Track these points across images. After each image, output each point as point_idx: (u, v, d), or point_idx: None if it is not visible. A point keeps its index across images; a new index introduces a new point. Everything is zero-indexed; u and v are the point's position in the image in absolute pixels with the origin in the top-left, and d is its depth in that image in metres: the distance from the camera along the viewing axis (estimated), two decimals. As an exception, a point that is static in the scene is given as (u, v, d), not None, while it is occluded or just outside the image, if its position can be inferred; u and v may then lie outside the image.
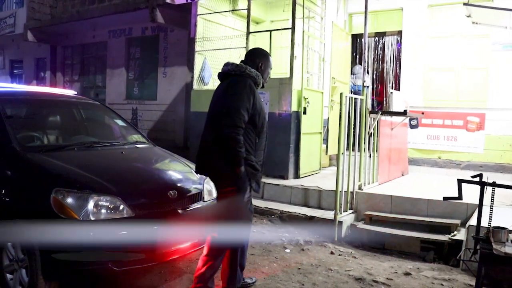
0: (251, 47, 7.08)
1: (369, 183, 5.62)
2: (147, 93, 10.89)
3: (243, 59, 3.21)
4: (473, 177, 3.05)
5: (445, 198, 3.38)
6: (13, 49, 14.51)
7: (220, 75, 3.13)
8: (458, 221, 4.67)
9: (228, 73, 3.04)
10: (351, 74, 8.30)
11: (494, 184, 2.92)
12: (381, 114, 5.76)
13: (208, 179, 3.78)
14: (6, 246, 3.04)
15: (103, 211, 2.92)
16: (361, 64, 8.39)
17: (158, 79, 10.56)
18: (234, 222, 2.92)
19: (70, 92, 4.89)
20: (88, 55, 12.49)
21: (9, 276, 3.04)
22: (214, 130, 2.89)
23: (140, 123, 10.69)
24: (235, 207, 2.92)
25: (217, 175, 2.95)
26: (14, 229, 2.96)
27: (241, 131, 2.82)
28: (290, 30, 6.37)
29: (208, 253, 2.97)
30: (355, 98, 5.32)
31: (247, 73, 2.99)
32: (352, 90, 8.12)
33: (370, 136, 5.61)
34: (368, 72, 8.39)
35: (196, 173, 3.21)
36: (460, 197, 3.06)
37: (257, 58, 3.15)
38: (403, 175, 6.76)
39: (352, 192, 5.26)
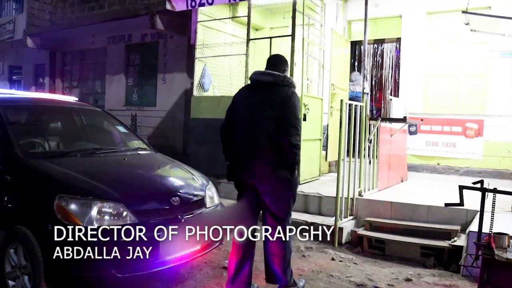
0: (251, 54, 7.18)
1: (369, 189, 5.64)
2: (146, 99, 10.90)
3: (270, 66, 3.28)
4: (474, 183, 3.07)
5: (446, 204, 3.39)
6: (12, 55, 14.50)
7: (263, 84, 3.17)
8: (458, 227, 4.68)
9: (275, 83, 3.13)
10: (349, 81, 8.34)
11: (495, 191, 2.95)
12: (381, 121, 5.78)
13: (210, 185, 3.81)
14: (8, 252, 3.05)
15: (107, 217, 2.94)
16: (359, 71, 8.44)
17: (158, 85, 10.56)
18: (289, 214, 3.26)
19: (71, 99, 4.90)
20: (88, 61, 12.49)
21: (11, 282, 3.04)
22: (275, 139, 3.04)
23: (139, 130, 10.68)
24: (292, 201, 3.27)
25: (277, 179, 3.11)
26: (17, 235, 2.97)
27: None
28: (290, 37, 6.39)
29: (283, 249, 3.18)
30: (355, 105, 5.35)
31: (294, 84, 3.21)
32: (350, 97, 8.13)
33: (370, 142, 5.63)
34: (366, 79, 8.42)
35: (241, 182, 3.28)
36: (461, 203, 3.08)
37: (283, 65, 3.31)
38: (402, 181, 6.78)
39: (352, 199, 5.27)
